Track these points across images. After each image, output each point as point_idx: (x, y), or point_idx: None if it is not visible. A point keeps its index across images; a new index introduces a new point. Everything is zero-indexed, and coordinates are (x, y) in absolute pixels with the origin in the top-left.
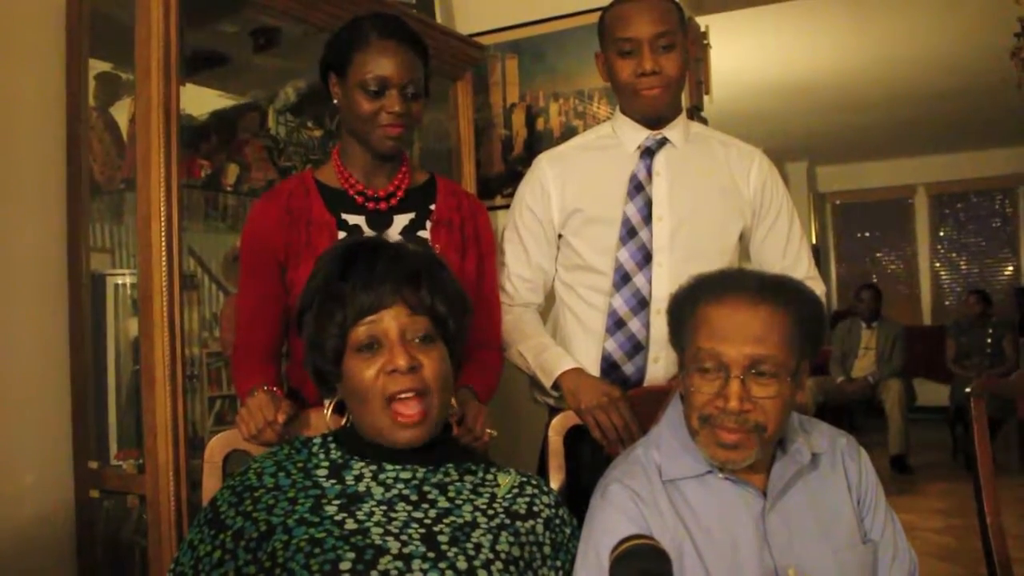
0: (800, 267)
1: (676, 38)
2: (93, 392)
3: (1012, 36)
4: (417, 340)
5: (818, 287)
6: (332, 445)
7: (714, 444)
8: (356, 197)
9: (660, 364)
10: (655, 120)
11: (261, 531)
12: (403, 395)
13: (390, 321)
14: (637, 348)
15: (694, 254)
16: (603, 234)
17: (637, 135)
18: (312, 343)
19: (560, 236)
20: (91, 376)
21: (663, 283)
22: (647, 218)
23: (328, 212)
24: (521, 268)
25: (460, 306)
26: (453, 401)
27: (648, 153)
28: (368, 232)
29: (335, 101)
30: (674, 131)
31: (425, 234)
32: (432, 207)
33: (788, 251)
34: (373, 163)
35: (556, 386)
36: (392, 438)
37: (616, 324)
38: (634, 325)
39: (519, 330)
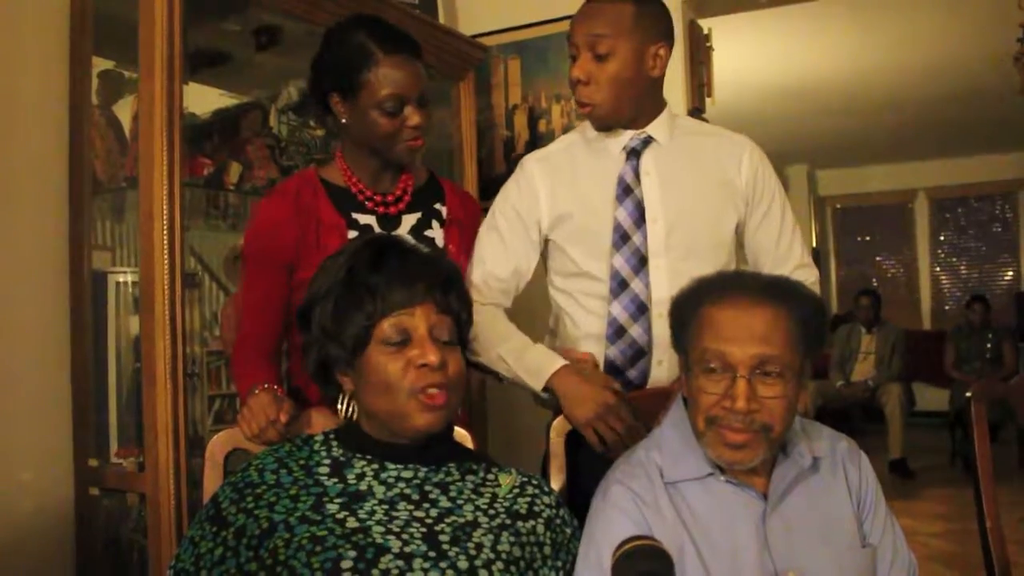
0: (793, 255)
1: (615, 46)
2: (93, 390)
3: (1015, 41)
4: (442, 339)
5: (812, 274)
6: (334, 443)
7: (721, 445)
8: (366, 203)
9: (664, 367)
10: (631, 122)
11: (263, 528)
12: (431, 389)
13: (420, 317)
14: (640, 353)
15: (690, 253)
16: (596, 240)
17: (621, 135)
18: (328, 332)
19: (548, 241)
20: (92, 374)
21: (662, 285)
22: (639, 221)
23: (337, 213)
24: (498, 269)
25: (471, 316)
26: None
27: (634, 154)
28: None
29: (342, 120)
30: (658, 128)
31: (431, 233)
32: (436, 206)
33: (781, 240)
34: (378, 167)
35: (547, 388)
36: (415, 423)
37: (616, 332)
38: (635, 331)
39: (495, 331)
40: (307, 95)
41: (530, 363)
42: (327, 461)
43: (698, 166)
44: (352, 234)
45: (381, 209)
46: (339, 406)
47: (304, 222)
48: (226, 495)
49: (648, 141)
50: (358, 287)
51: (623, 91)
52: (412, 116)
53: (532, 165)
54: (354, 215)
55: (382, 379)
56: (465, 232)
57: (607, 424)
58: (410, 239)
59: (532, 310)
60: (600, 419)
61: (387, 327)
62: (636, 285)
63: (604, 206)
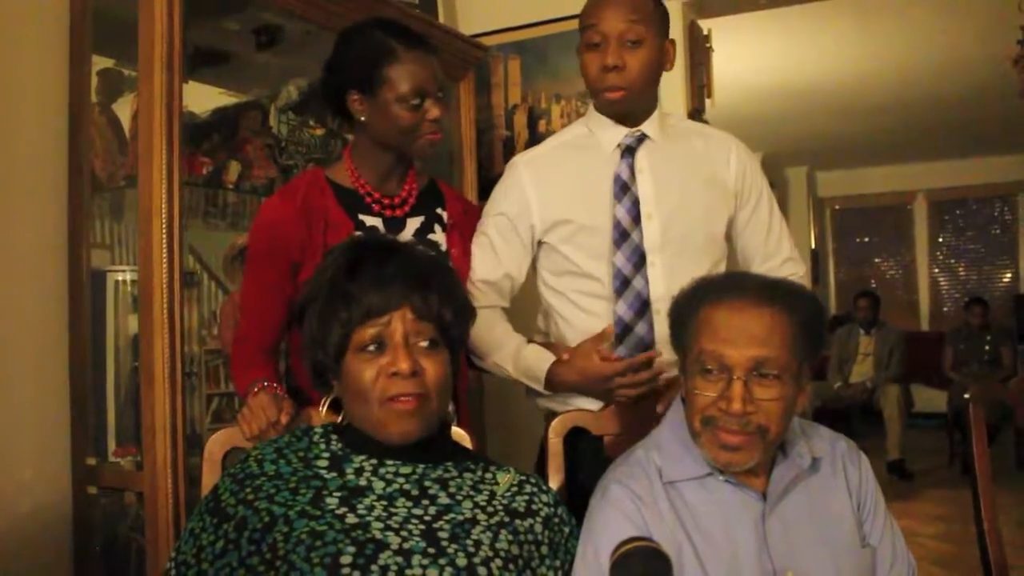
0: (782, 249)
1: (646, 34)
2: (92, 388)
3: (1015, 43)
4: (421, 344)
5: (800, 267)
6: (333, 437)
7: (716, 446)
8: (373, 205)
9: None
10: (630, 117)
11: (264, 522)
12: (402, 398)
13: (396, 323)
14: (645, 352)
15: (685, 249)
16: (595, 240)
17: (615, 133)
18: (314, 338)
19: (542, 243)
20: (90, 372)
21: (659, 282)
22: (636, 218)
23: (345, 214)
24: (490, 274)
25: (464, 313)
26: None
27: (628, 151)
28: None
29: (360, 119)
30: (651, 126)
31: (435, 237)
32: (439, 211)
33: (770, 235)
34: (388, 168)
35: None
36: (388, 431)
37: (624, 331)
38: (641, 329)
39: (491, 338)
40: (307, 96)
41: (526, 368)
42: (326, 455)
43: (690, 163)
44: None
45: (388, 212)
46: (320, 409)
47: (310, 222)
48: (226, 487)
49: (642, 138)
50: (336, 295)
51: (650, 80)
52: (432, 109)
53: (521, 169)
54: (361, 217)
55: (358, 386)
56: (467, 238)
57: (622, 390)
58: (391, 238)
59: (528, 308)
60: (612, 391)
61: (363, 334)
62: (637, 282)
63: (601, 205)
